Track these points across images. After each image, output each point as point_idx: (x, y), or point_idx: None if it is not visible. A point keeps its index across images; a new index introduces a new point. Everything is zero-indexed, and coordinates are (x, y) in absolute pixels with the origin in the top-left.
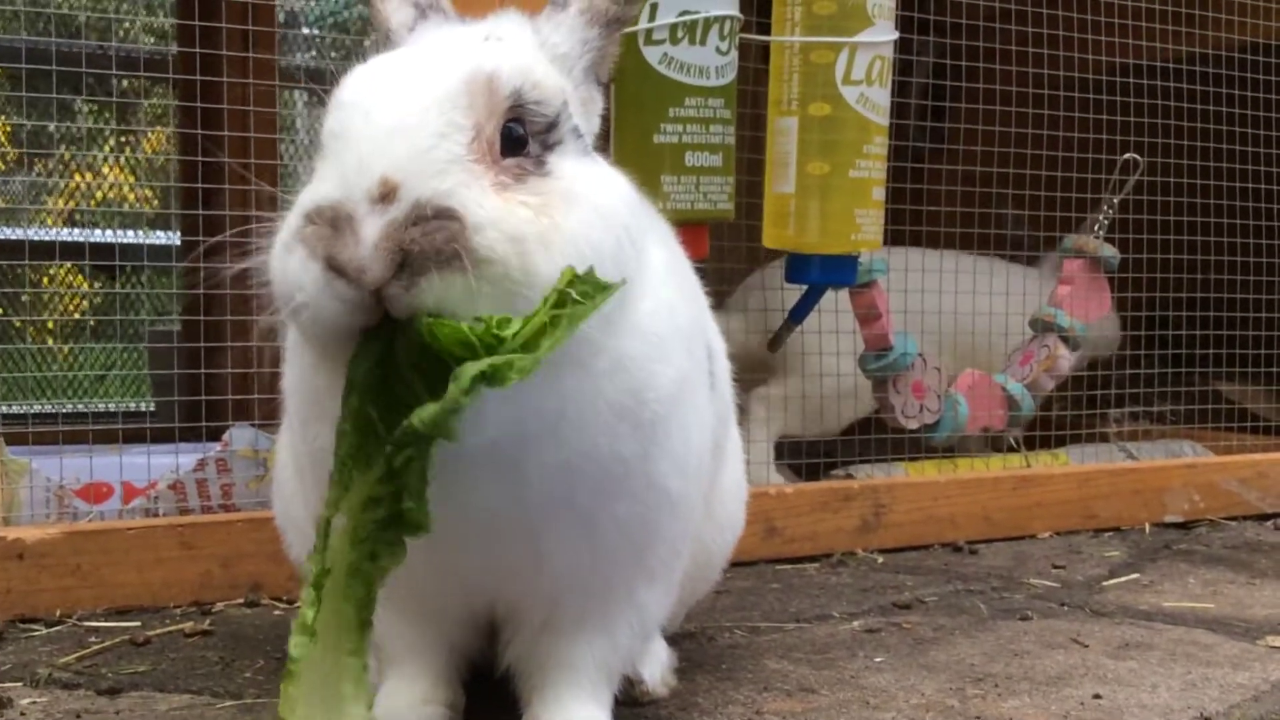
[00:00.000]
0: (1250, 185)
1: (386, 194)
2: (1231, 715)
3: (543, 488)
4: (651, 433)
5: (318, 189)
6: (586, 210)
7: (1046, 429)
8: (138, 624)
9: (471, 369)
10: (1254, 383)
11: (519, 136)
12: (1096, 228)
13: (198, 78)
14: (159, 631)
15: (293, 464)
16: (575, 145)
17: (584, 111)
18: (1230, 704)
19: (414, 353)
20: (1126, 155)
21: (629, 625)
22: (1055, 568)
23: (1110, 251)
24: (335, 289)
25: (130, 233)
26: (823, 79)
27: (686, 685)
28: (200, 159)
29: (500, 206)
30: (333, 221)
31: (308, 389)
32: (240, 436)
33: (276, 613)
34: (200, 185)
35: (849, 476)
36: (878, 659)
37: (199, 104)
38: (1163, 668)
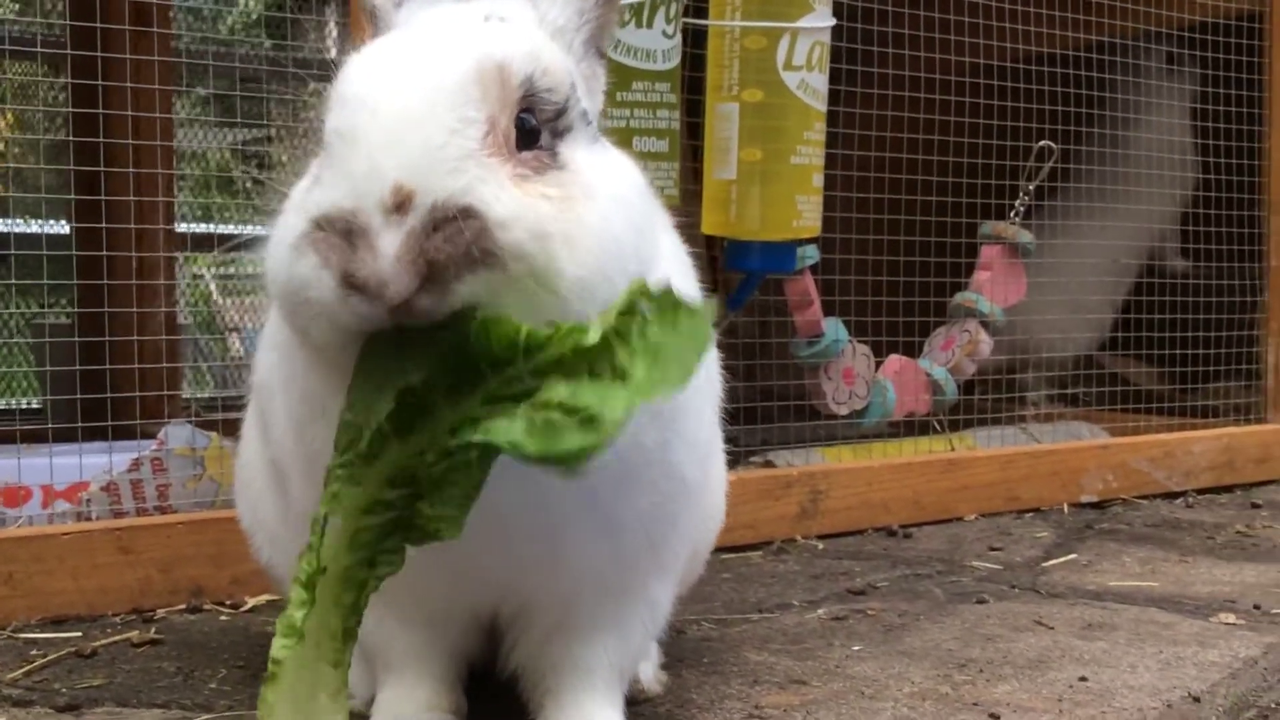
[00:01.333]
0: (1157, 171)
1: (401, 202)
2: (1216, 694)
3: (562, 484)
4: (670, 420)
5: (326, 194)
6: (607, 203)
7: (957, 412)
8: (78, 634)
9: (618, 399)
10: (1149, 364)
11: (532, 128)
12: (1013, 214)
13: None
14: (104, 642)
15: (262, 463)
16: (584, 131)
17: (588, 90)
18: (1212, 682)
19: (436, 353)
20: (1041, 143)
21: (642, 623)
22: (992, 550)
23: (1027, 237)
24: (352, 304)
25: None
26: (763, 64)
27: (676, 681)
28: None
29: (521, 201)
30: (345, 233)
31: (302, 389)
32: (176, 434)
33: (223, 618)
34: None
35: (768, 464)
36: (855, 647)
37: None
38: (1133, 648)
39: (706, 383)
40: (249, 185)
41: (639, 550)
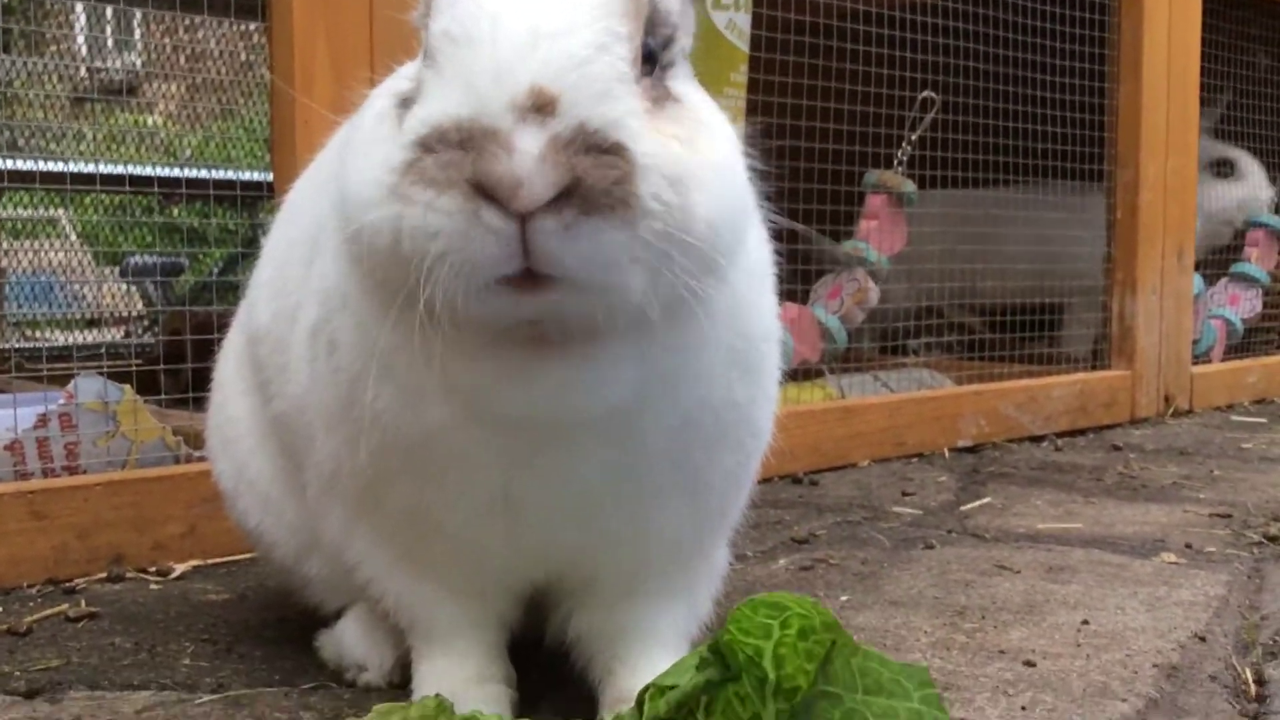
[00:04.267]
0: (1039, 128)
1: (543, 105)
2: (1215, 633)
3: (657, 450)
4: (756, 375)
5: (434, 107)
6: (724, 143)
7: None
8: None
9: None
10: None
11: (651, 52)
12: (897, 164)
13: None
14: (36, 617)
15: (253, 420)
16: (684, 68)
17: (684, 26)
18: (1205, 621)
19: None
20: (924, 93)
21: (707, 586)
22: (905, 495)
23: (910, 187)
24: (485, 220)
25: None
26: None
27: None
28: None
29: (660, 144)
30: (463, 143)
31: (365, 345)
32: (87, 388)
33: (154, 587)
34: None
35: None
36: (843, 598)
37: None
38: (1107, 590)
39: (780, 338)
40: None
41: (713, 512)
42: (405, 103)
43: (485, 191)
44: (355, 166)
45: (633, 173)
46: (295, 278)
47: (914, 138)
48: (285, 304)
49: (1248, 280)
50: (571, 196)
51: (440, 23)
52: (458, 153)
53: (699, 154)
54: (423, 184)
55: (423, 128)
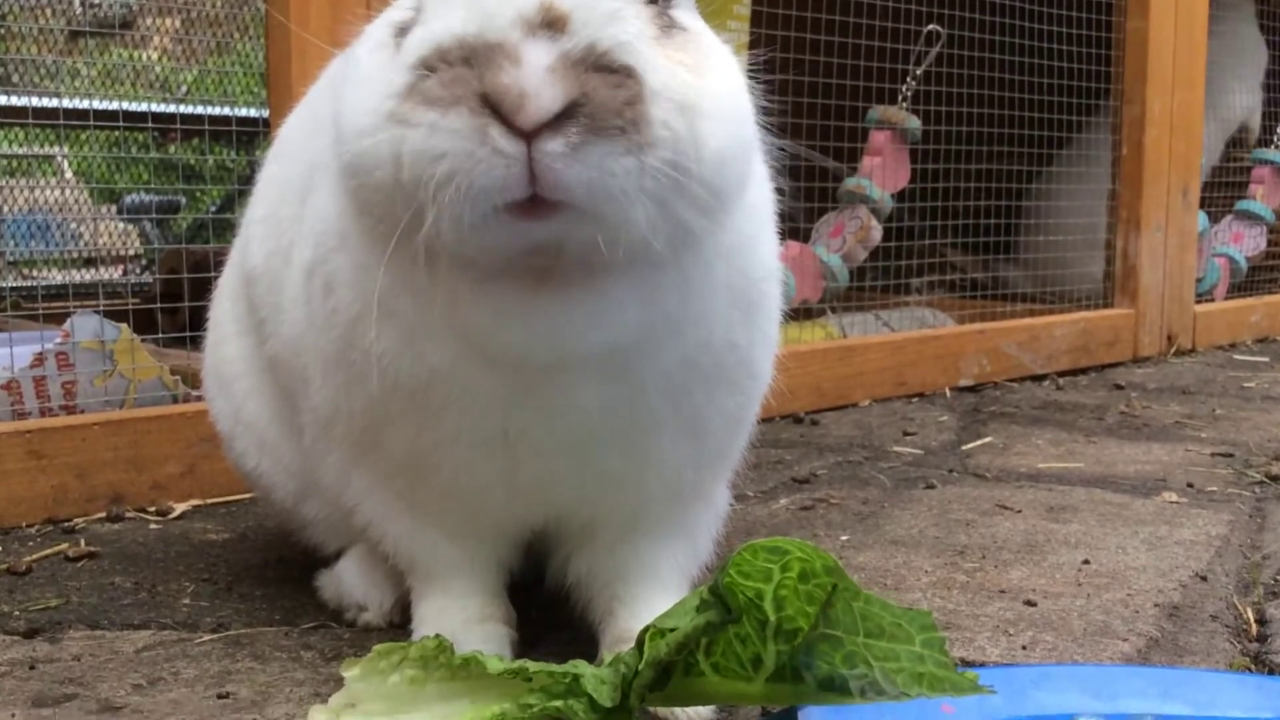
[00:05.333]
0: (1040, 61)
1: (552, 21)
2: (1216, 572)
3: (656, 389)
4: (756, 315)
5: (434, 27)
6: (733, 73)
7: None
8: None
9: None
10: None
11: None
12: (901, 100)
13: None
14: (35, 557)
15: (249, 361)
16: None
17: None
18: (1205, 561)
19: None
20: (929, 27)
21: (708, 526)
22: (906, 435)
23: (914, 123)
24: (492, 139)
25: None
26: None
27: None
28: None
29: (669, 69)
30: (468, 59)
31: (364, 285)
32: (84, 326)
33: (153, 527)
34: None
35: None
36: (844, 537)
37: None
38: (1108, 529)
39: (780, 278)
40: None
41: (713, 452)
42: (402, 31)
43: (492, 105)
44: (352, 96)
45: (643, 94)
46: (289, 216)
47: (919, 72)
48: (279, 243)
49: (1252, 218)
50: (578, 116)
51: None
52: (463, 69)
53: (707, 83)
54: (426, 104)
55: (424, 47)
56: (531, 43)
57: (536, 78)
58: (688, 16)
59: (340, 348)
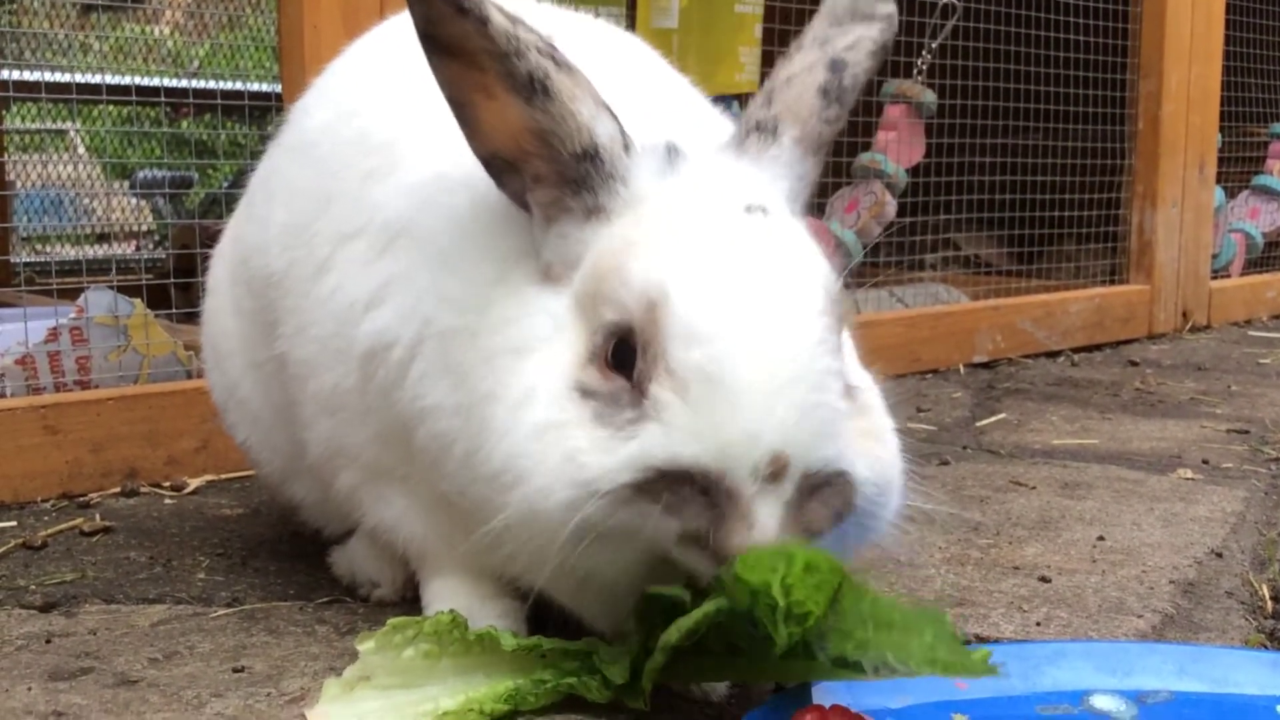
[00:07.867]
0: (1062, 35)
1: (777, 471)
2: (1231, 549)
3: None
4: None
5: (677, 443)
6: (894, 435)
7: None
8: (13, 523)
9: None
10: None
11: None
12: (916, 73)
13: None
14: (51, 531)
15: (243, 344)
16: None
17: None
18: (1220, 538)
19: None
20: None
21: None
22: (921, 411)
23: (930, 97)
24: (689, 556)
25: None
26: None
27: None
28: None
29: (867, 451)
30: (706, 490)
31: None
32: (97, 301)
33: (168, 502)
34: None
35: None
36: None
37: None
38: (1123, 506)
39: None
40: None
41: None
42: (587, 392)
43: (720, 556)
44: (555, 446)
45: (854, 485)
46: (327, 237)
47: (934, 45)
48: (311, 255)
49: (1269, 193)
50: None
51: (690, 354)
52: (700, 500)
53: (888, 451)
54: (655, 507)
55: (664, 460)
56: (761, 498)
57: (768, 539)
58: (851, 362)
59: (384, 418)
